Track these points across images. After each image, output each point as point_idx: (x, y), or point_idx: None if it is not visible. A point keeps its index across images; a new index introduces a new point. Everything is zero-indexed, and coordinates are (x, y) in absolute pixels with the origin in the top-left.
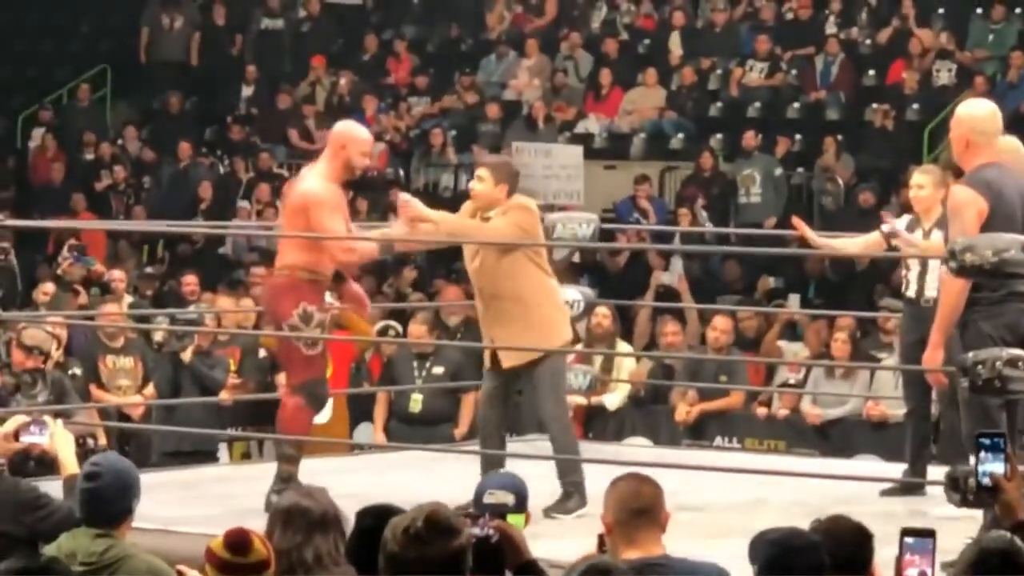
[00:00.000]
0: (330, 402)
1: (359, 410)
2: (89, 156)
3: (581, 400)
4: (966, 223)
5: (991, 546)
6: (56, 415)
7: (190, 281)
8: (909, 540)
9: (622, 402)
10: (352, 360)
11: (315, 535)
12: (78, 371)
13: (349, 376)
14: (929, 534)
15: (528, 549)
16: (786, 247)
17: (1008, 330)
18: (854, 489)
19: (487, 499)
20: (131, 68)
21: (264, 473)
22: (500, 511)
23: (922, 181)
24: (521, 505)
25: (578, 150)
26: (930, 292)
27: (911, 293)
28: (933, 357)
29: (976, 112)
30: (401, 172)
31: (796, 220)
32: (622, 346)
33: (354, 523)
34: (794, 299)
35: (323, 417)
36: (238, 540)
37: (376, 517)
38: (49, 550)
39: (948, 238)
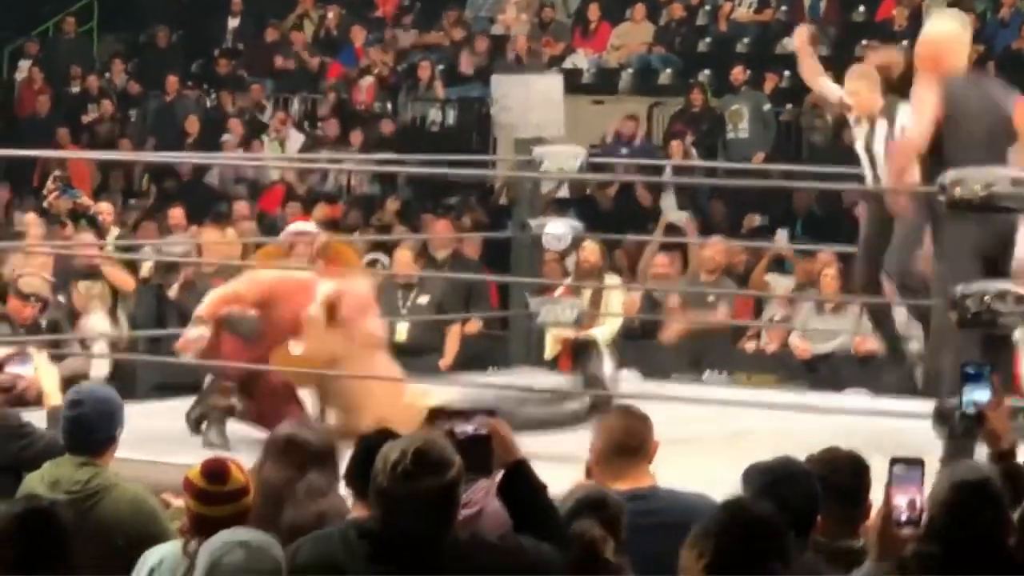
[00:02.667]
0: None
1: None
2: (75, 89)
3: (569, 333)
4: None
5: (967, 477)
6: (49, 349)
7: (176, 214)
8: (898, 469)
9: (612, 335)
10: None
11: (311, 469)
12: (62, 299)
13: None
14: (918, 463)
15: (518, 448)
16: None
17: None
18: (845, 422)
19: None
20: (117, 1)
21: None
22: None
23: (856, 87)
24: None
25: (558, 79)
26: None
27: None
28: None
29: (942, 27)
30: (389, 106)
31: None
32: (611, 279)
33: (354, 446)
34: (782, 235)
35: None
36: (215, 469)
37: (376, 441)
38: (32, 478)
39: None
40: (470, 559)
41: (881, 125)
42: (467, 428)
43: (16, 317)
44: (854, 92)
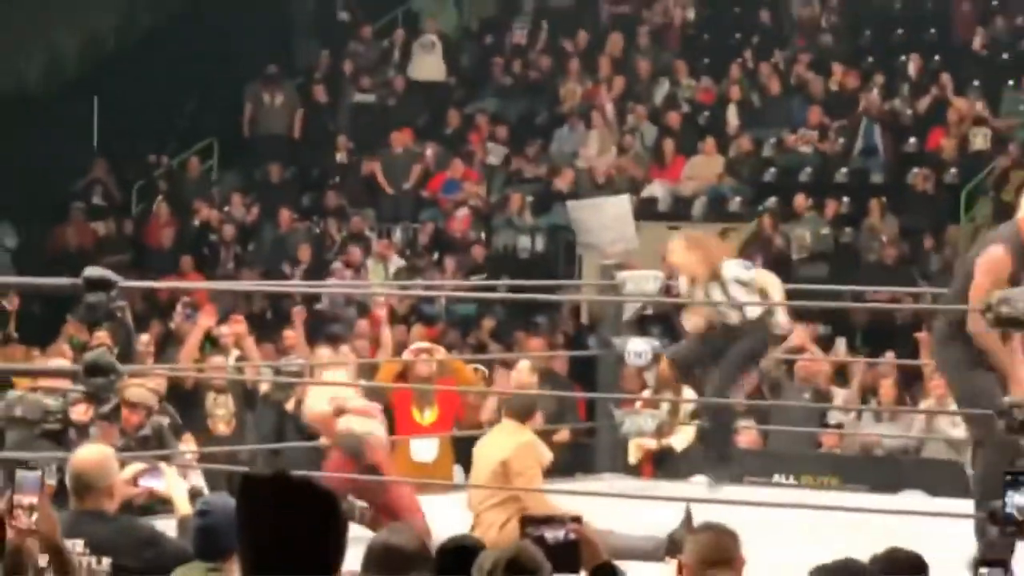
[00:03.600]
0: (435, 442)
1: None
2: (197, 222)
3: (651, 443)
4: (987, 279)
5: None
6: (163, 459)
7: (291, 335)
8: (983, 570)
9: (688, 442)
10: (457, 406)
11: (408, 572)
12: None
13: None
14: (1002, 564)
15: (604, 551)
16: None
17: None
18: (906, 522)
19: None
20: (236, 141)
21: None
22: None
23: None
24: None
25: (625, 197)
26: None
27: None
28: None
29: None
30: (483, 235)
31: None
32: (686, 391)
33: (436, 556)
34: (840, 343)
35: (429, 456)
36: None
37: (457, 551)
38: None
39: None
40: None
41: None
42: (558, 534)
43: (125, 425)
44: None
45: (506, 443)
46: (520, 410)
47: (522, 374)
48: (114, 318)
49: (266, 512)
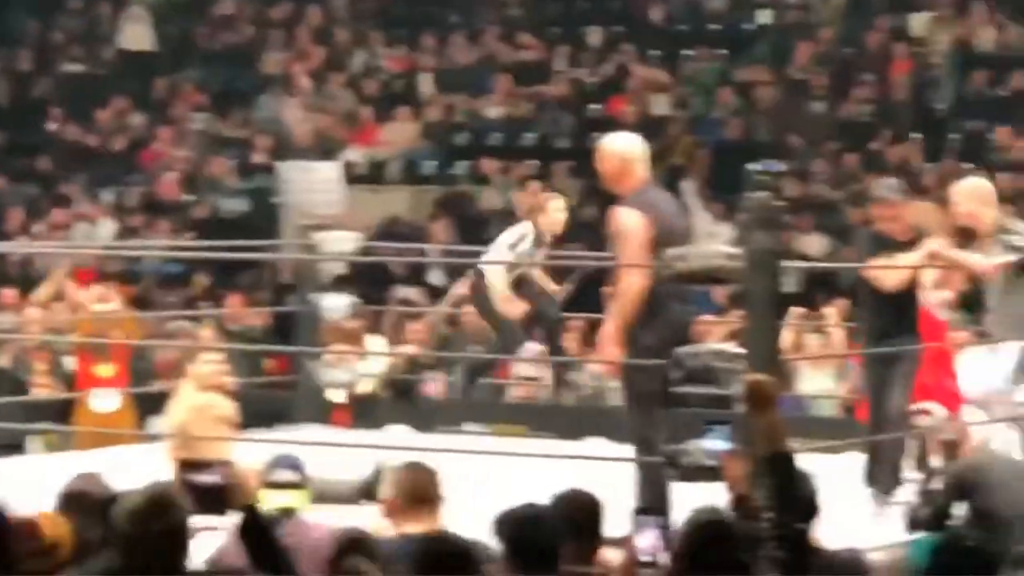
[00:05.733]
0: (116, 394)
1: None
2: None
3: (342, 396)
4: (636, 241)
5: (703, 518)
6: None
7: (7, 294)
8: (639, 518)
9: (375, 387)
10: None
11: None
12: None
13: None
14: (656, 512)
15: (250, 494)
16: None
17: (671, 330)
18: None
19: (272, 475)
20: None
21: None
22: (286, 487)
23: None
24: (303, 483)
25: (337, 165)
26: None
27: None
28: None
29: (625, 143)
30: (190, 197)
31: None
32: (373, 341)
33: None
34: None
35: (110, 407)
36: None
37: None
38: None
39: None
40: None
41: None
42: (208, 478)
43: None
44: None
45: (183, 405)
46: (201, 376)
47: (202, 337)
48: None
49: None
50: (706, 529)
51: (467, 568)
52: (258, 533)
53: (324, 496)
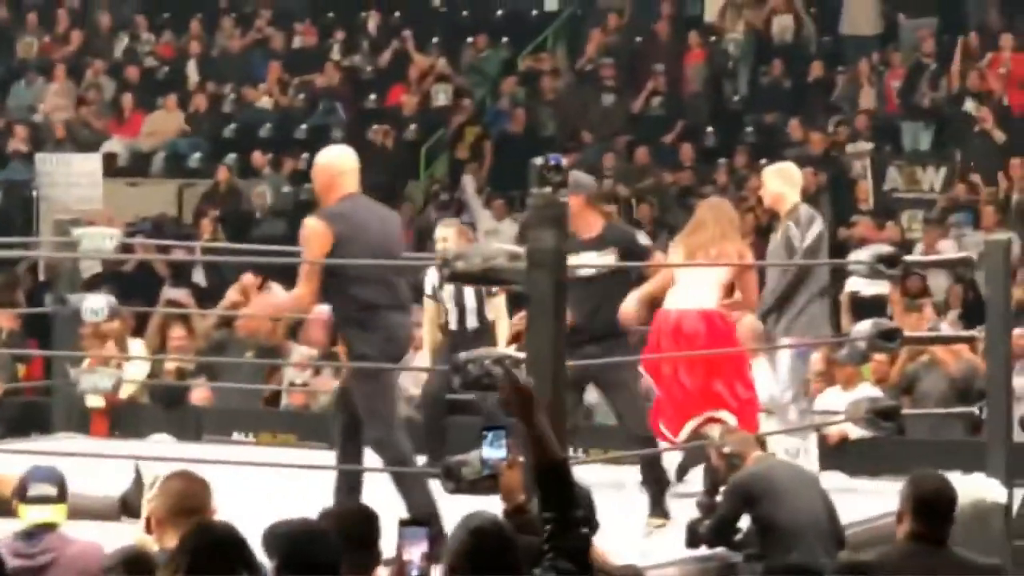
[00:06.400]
0: None
1: None
2: None
3: (99, 401)
4: (314, 250)
5: (474, 525)
6: None
7: None
8: (406, 529)
9: (135, 391)
10: None
11: None
12: None
13: None
14: (424, 522)
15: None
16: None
17: (387, 340)
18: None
19: (32, 490)
20: None
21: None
22: (45, 501)
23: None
24: (63, 496)
25: (96, 158)
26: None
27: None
28: None
29: (334, 156)
30: None
31: None
32: (134, 344)
33: None
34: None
35: None
36: None
37: None
38: None
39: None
40: None
41: None
42: None
43: None
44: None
45: None
46: None
47: None
48: None
49: None
50: (479, 537)
51: (244, 555)
52: None
53: (80, 512)
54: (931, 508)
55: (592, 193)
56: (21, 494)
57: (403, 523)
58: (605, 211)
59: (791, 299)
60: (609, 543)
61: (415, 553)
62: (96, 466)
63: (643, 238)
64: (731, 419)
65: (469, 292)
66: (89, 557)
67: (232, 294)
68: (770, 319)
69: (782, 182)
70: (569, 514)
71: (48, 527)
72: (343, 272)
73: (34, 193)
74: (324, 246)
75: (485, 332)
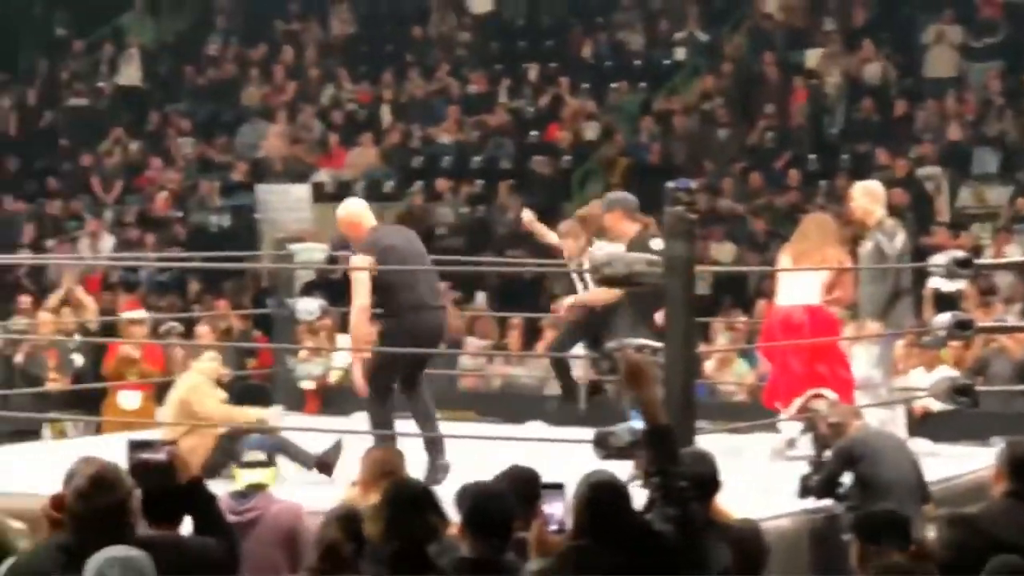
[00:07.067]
0: (140, 394)
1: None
2: None
3: (312, 384)
4: (363, 275)
5: (594, 479)
6: None
7: (23, 300)
8: (546, 491)
9: (341, 377)
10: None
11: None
12: None
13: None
14: (561, 486)
15: (191, 469)
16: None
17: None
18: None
19: (245, 456)
20: None
21: (75, 447)
22: (256, 466)
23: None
24: (271, 461)
25: (307, 187)
26: None
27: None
28: None
29: (348, 207)
30: (180, 214)
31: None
32: (341, 338)
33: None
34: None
35: (134, 404)
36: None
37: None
38: None
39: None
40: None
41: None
42: (155, 455)
43: None
44: (564, 241)
45: (182, 386)
46: (204, 371)
47: (200, 336)
48: None
49: None
50: (597, 490)
51: (433, 506)
52: (202, 502)
53: (288, 451)
54: None
55: (627, 208)
56: (239, 460)
57: (545, 486)
58: (643, 221)
59: (886, 297)
60: (729, 500)
61: (555, 508)
62: (308, 438)
63: (655, 243)
64: (831, 396)
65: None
66: (288, 515)
67: None
68: (866, 311)
69: (869, 200)
70: (672, 470)
71: (258, 488)
72: (387, 282)
73: (257, 216)
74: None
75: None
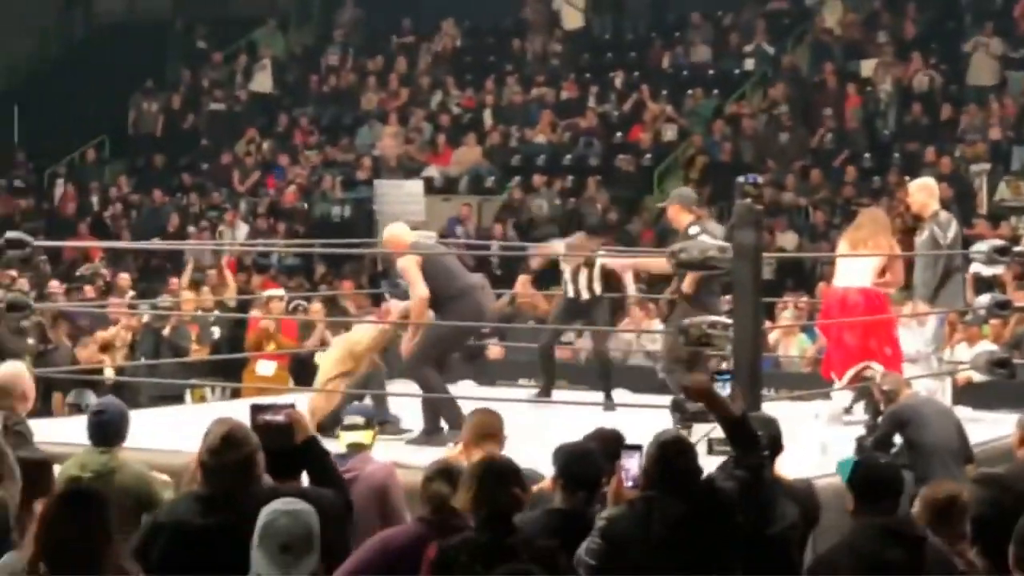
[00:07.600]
0: (274, 363)
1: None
2: (94, 199)
3: None
4: (415, 271)
5: (664, 437)
6: None
7: (172, 282)
8: (625, 451)
9: None
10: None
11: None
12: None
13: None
14: (639, 446)
15: (308, 429)
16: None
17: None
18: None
19: (346, 420)
20: (122, 137)
21: (214, 410)
22: (355, 428)
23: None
24: (370, 424)
25: (419, 182)
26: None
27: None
28: None
29: (392, 230)
30: (306, 206)
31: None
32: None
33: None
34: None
35: (269, 372)
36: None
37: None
38: (68, 464)
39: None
40: (263, 501)
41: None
42: (275, 417)
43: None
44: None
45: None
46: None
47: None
48: (32, 267)
49: None
50: (664, 447)
51: (517, 480)
52: (318, 458)
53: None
54: None
55: (684, 201)
56: (341, 423)
57: (625, 446)
58: (697, 213)
59: (937, 281)
60: (789, 461)
61: (632, 465)
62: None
63: (693, 230)
64: (880, 368)
65: (582, 274)
66: (381, 473)
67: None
68: (920, 293)
69: (926, 195)
70: (750, 451)
71: (358, 447)
72: (435, 278)
73: (374, 208)
74: (419, 268)
75: (596, 301)
